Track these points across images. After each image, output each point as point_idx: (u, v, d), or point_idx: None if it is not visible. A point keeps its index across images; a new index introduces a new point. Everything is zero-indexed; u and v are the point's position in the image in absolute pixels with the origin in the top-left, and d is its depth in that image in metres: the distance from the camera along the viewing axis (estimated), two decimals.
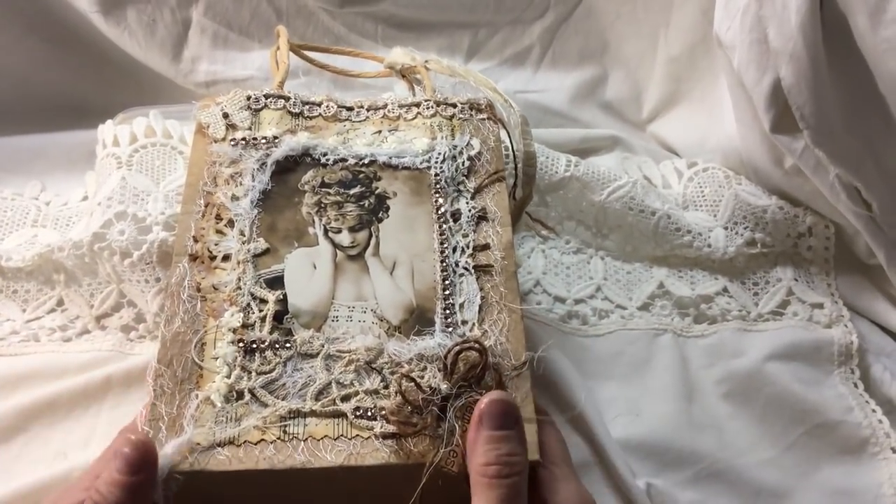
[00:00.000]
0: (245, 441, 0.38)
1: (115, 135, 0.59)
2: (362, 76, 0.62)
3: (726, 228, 0.61)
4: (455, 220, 0.47)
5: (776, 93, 0.53)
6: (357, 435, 0.39)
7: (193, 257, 0.44)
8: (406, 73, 0.58)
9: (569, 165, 0.60)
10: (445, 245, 0.46)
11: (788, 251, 0.62)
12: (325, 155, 0.49)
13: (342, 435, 0.39)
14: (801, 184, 0.59)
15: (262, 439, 0.39)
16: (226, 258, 0.45)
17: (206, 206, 0.46)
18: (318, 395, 0.40)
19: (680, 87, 0.70)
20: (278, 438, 0.39)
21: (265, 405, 0.40)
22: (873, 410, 0.54)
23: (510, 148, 0.53)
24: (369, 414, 0.39)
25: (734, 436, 0.54)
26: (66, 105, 0.69)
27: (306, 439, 0.39)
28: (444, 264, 0.45)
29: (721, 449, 0.53)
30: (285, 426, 0.39)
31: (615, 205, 0.60)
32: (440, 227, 0.47)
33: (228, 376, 0.41)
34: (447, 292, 0.44)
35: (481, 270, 0.45)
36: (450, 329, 0.43)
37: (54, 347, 0.54)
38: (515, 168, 0.53)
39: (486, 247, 0.46)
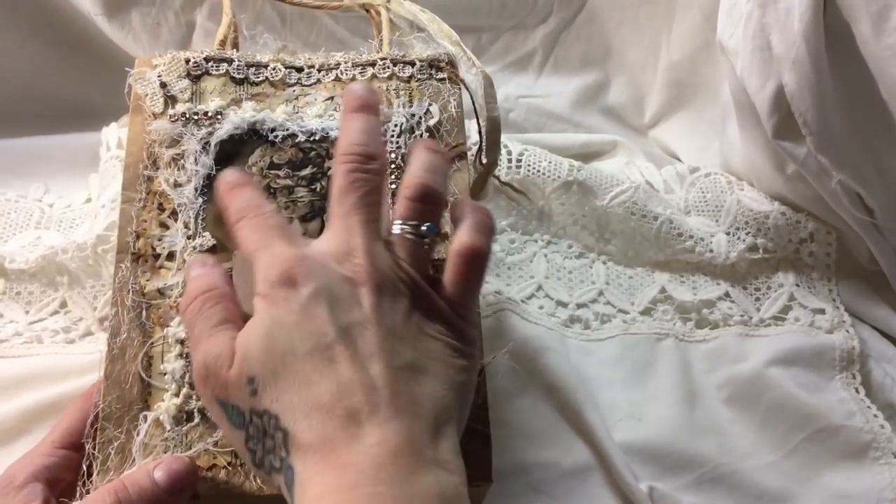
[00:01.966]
0: (197, 467, 0.38)
1: (118, 137, 0.59)
2: (324, 8, 0.56)
3: (728, 234, 0.61)
4: None
5: (779, 99, 0.53)
6: None
7: (136, 256, 0.42)
8: (369, 9, 0.53)
9: (571, 170, 0.60)
10: None
11: (790, 257, 0.62)
12: (273, 131, 0.45)
13: None
14: (803, 189, 0.59)
15: (214, 464, 0.38)
16: (170, 256, 0.42)
17: (147, 193, 0.43)
18: None
19: (682, 93, 0.70)
20: (229, 464, 0.38)
21: (216, 426, 0.39)
22: (875, 415, 0.55)
23: (474, 111, 0.49)
24: None
25: (736, 440, 0.54)
26: (69, 108, 0.69)
27: None
28: None
29: (723, 453, 0.53)
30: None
31: (617, 210, 0.60)
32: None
33: (178, 395, 0.39)
34: None
35: (438, 267, 0.43)
36: None
37: (57, 349, 0.54)
38: (480, 132, 0.49)
39: (445, 236, 0.43)
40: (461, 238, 0.36)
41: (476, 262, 0.36)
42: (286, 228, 0.36)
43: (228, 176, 0.37)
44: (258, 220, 0.35)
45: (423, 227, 0.36)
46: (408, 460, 0.30)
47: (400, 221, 0.36)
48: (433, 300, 0.35)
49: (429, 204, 0.36)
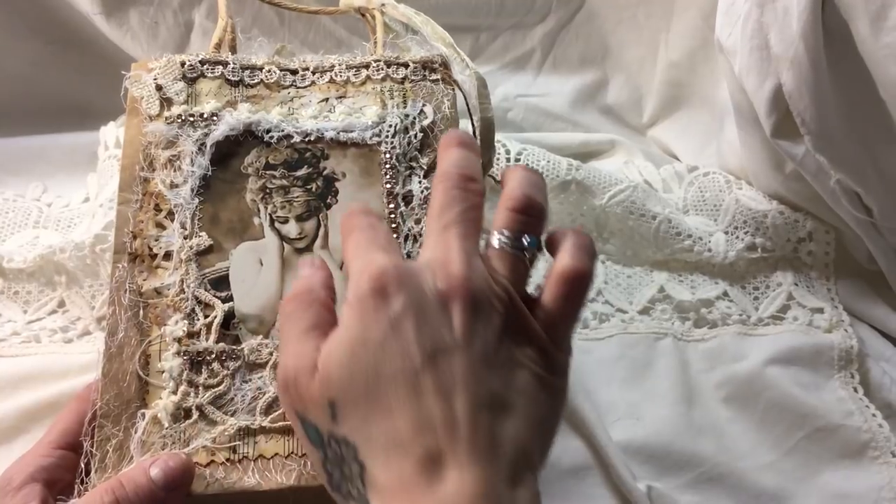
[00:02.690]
0: (195, 463, 0.38)
1: (117, 137, 0.59)
2: (321, 13, 0.57)
3: (727, 233, 0.61)
4: (407, 204, 0.44)
5: (777, 98, 0.53)
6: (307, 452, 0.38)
7: (133, 256, 0.42)
8: (364, 13, 0.53)
9: (570, 169, 0.60)
10: (397, 235, 0.43)
11: (789, 256, 0.62)
12: (268, 132, 0.45)
13: (293, 452, 0.38)
14: (801, 189, 0.59)
15: (212, 461, 0.38)
16: (167, 256, 0.42)
17: (143, 194, 0.43)
18: (268, 409, 0.39)
19: (681, 92, 0.70)
20: (227, 460, 0.38)
21: (214, 423, 0.39)
22: (873, 415, 0.55)
23: (468, 112, 0.49)
24: None
25: (734, 440, 0.54)
26: (68, 107, 0.69)
27: (256, 459, 0.38)
28: None
29: (721, 453, 0.53)
30: (235, 446, 0.38)
31: (616, 209, 0.60)
32: (391, 212, 0.44)
33: (175, 392, 0.39)
34: None
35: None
36: None
37: (55, 349, 0.54)
38: (474, 133, 0.49)
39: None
40: (564, 259, 0.34)
41: (580, 285, 0.34)
42: (393, 242, 0.34)
43: (354, 206, 0.37)
44: (367, 233, 0.34)
45: (525, 240, 0.34)
46: None
47: (499, 233, 0.34)
48: (528, 322, 0.33)
49: (533, 217, 0.35)
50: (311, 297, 0.34)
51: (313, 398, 0.31)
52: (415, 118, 0.46)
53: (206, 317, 0.41)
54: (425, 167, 0.45)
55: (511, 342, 0.32)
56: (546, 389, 0.33)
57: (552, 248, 0.36)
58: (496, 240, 0.34)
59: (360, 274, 0.32)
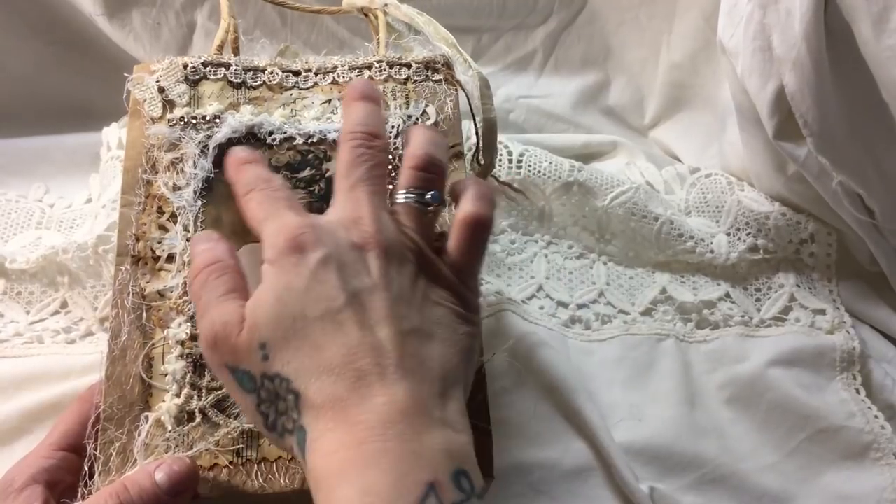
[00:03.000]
0: (198, 466, 0.38)
1: (119, 137, 0.59)
2: (323, 12, 0.58)
3: (729, 234, 0.61)
4: None
5: (779, 100, 0.53)
6: None
7: (136, 259, 0.42)
8: (366, 14, 0.53)
9: (572, 170, 0.60)
10: None
11: (791, 257, 0.62)
12: (270, 134, 0.45)
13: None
14: (803, 190, 0.59)
15: (216, 464, 0.38)
16: (170, 258, 0.42)
17: (146, 197, 0.43)
18: None
19: (683, 94, 0.70)
20: (231, 463, 0.38)
21: (217, 426, 0.39)
22: (875, 416, 0.55)
23: (470, 112, 0.49)
24: None
25: (736, 441, 0.54)
26: (70, 107, 0.69)
27: (260, 462, 0.38)
28: None
29: (723, 454, 0.53)
30: (238, 449, 0.38)
31: (618, 210, 0.60)
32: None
33: (178, 395, 0.39)
34: None
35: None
36: None
37: (58, 349, 0.54)
38: (476, 133, 0.50)
39: (441, 235, 0.43)
40: (465, 207, 0.37)
41: (480, 229, 0.37)
42: (294, 200, 0.36)
43: (237, 153, 0.39)
44: (266, 192, 0.36)
45: (428, 196, 0.37)
46: (416, 419, 0.31)
47: (404, 190, 0.37)
48: (438, 267, 0.36)
49: (432, 173, 0.37)
50: (222, 265, 0.36)
51: (243, 345, 0.33)
52: (417, 119, 0.47)
53: None
54: None
55: (426, 285, 0.35)
56: (464, 322, 0.35)
57: (456, 197, 0.38)
58: (402, 196, 0.37)
59: (276, 234, 0.34)
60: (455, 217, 0.37)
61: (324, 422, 0.31)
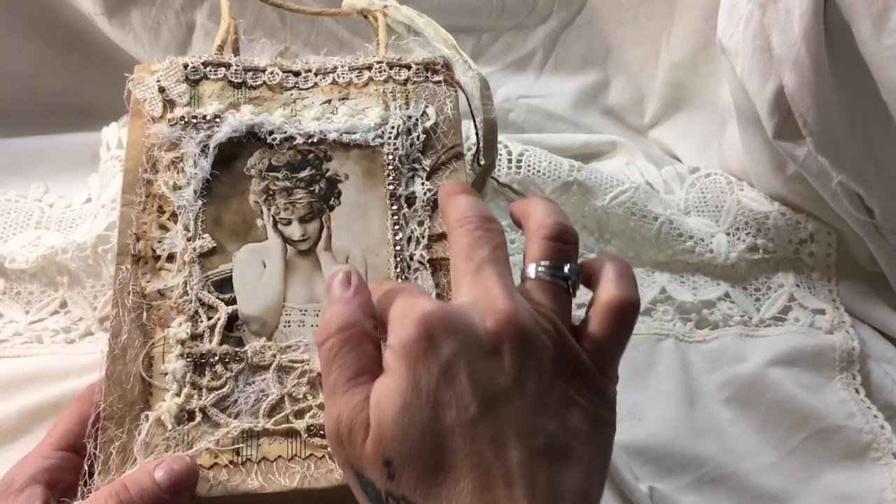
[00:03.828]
0: (198, 465, 0.38)
1: (118, 137, 0.59)
2: (323, 14, 0.58)
3: (728, 234, 0.61)
4: (410, 206, 0.44)
5: (779, 99, 0.53)
6: (311, 454, 0.38)
7: (136, 258, 0.42)
8: (366, 15, 0.53)
9: (571, 170, 0.60)
10: (400, 236, 0.43)
11: (790, 257, 0.62)
12: (271, 134, 0.45)
13: (296, 455, 0.38)
14: (803, 190, 0.59)
15: (216, 463, 0.38)
16: (170, 258, 0.42)
17: (146, 196, 0.43)
18: (272, 412, 0.39)
19: (682, 93, 0.70)
20: (231, 462, 0.38)
21: (217, 425, 0.39)
22: (875, 416, 0.55)
23: (470, 113, 0.49)
24: (322, 432, 0.38)
25: (736, 441, 0.54)
26: (69, 107, 0.69)
27: (260, 461, 0.38)
28: (399, 258, 0.43)
29: (723, 454, 0.53)
30: (238, 448, 0.38)
31: (617, 210, 0.60)
32: (394, 214, 0.44)
33: (178, 394, 0.39)
34: None
35: (437, 265, 0.43)
36: None
37: (57, 349, 0.54)
38: (477, 134, 0.49)
39: (442, 236, 0.43)
40: (609, 290, 0.33)
41: (629, 315, 0.33)
42: (425, 291, 0.34)
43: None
44: (400, 285, 0.34)
45: (566, 269, 0.33)
46: None
47: (535, 263, 0.34)
48: (578, 355, 0.32)
49: (568, 242, 0.34)
50: (357, 332, 0.32)
51: (368, 456, 0.30)
52: (417, 119, 0.46)
53: (209, 319, 0.41)
54: (428, 169, 0.45)
55: (563, 379, 0.31)
56: (599, 426, 0.32)
57: (586, 276, 0.35)
58: (534, 270, 0.34)
59: (404, 317, 0.31)
60: (597, 299, 0.33)
61: None
